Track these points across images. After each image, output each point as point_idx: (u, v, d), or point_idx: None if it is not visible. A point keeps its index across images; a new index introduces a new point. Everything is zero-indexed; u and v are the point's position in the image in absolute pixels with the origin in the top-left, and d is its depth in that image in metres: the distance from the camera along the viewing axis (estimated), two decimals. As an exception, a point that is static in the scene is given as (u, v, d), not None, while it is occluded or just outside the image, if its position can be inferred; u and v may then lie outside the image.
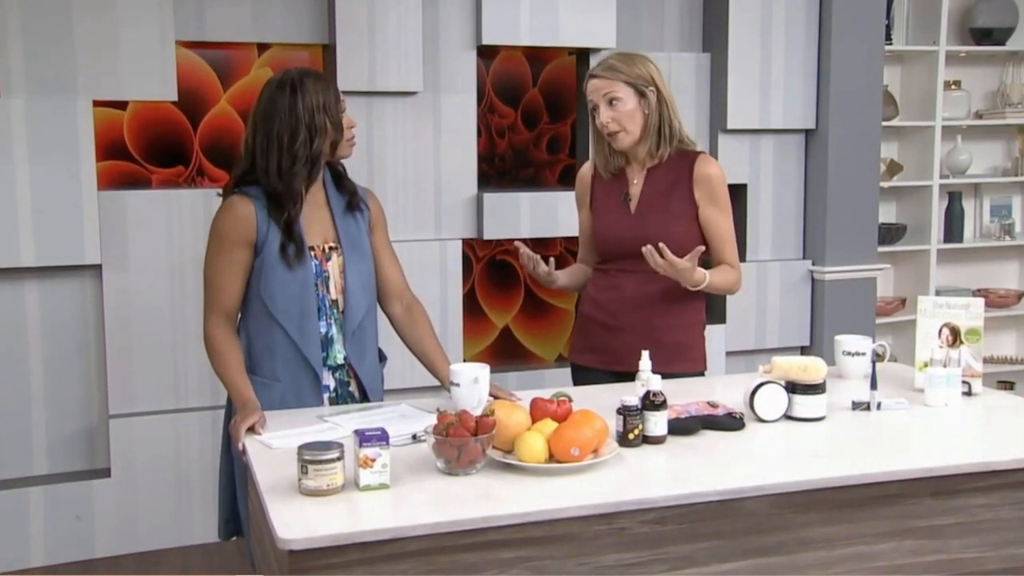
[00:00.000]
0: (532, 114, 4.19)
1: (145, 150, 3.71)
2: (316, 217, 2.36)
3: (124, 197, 3.49)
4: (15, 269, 3.38)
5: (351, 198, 2.41)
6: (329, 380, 2.37)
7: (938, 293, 4.53)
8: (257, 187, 2.29)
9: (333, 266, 2.35)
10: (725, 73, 4.03)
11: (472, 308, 4.09)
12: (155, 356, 3.55)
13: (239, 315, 2.36)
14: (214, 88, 3.76)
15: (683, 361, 2.59)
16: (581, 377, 2.68)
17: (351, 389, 2.41)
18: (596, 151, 2.65)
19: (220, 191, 2.37)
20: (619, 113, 2.51)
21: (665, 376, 2.14)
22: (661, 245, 2.39)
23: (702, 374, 2.67)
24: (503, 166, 4.17)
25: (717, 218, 2.57)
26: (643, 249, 2.41)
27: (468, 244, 4.00)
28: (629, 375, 2.33)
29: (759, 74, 4.06)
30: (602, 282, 2.65)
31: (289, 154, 2.26)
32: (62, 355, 3.51)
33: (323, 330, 2.34)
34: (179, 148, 3.75)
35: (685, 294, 2.55)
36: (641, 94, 2.51)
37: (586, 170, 2.72)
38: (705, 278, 2.48)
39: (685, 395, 2.23)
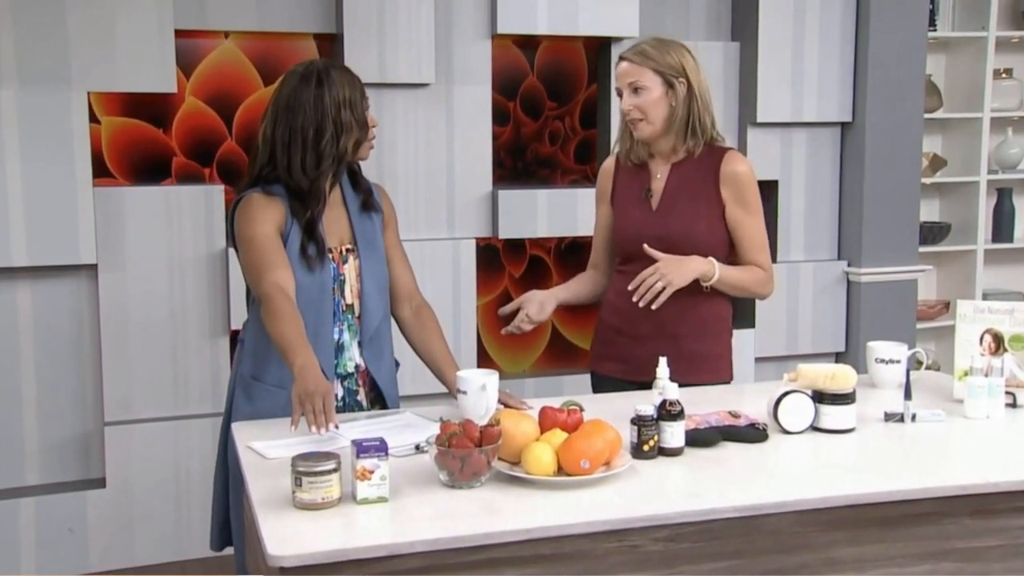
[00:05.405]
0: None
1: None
2: (333, 217, 2.36)
3: (121, 193, 3.51)
4: (6, 269, 3.40)
5: (367, 197, 2.42)
6: (337, 388, 2.37)
7: (985, 296, 4.49)
8: (279, 184, 2.29)
9: (350, 269, 2.35)
10: (755, 63, 4.01)
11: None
12: (153, 360, 3.56)
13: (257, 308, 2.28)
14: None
15: (707, 371, 2.58)
16: (601, 386, 2.67)
17: (359, 398, 2.41)
18: (621, 137, 2.65)
19: (239, 191, 2.34)
20: (642, 101, 2.50)
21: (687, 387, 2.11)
22: (644, 245, 2.43)
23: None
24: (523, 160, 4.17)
25: (744, 219, 2.55)
26: (643, 247, 2.42)
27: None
28: (651, 385, 2.31)
29: (791, 64, 4.04)
30: (621, 285, 2.61)
31: (315, 152, 2.25)
32: (55, 359, 3.53)
33: (335, 336, 2.34)
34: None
35: (709, 298, 2.53)
36: (669, 84, 2.50)
37: (609, 163, 2.72)
38: (713, 267, 2.46)
39: (705, 404, 2.21)
